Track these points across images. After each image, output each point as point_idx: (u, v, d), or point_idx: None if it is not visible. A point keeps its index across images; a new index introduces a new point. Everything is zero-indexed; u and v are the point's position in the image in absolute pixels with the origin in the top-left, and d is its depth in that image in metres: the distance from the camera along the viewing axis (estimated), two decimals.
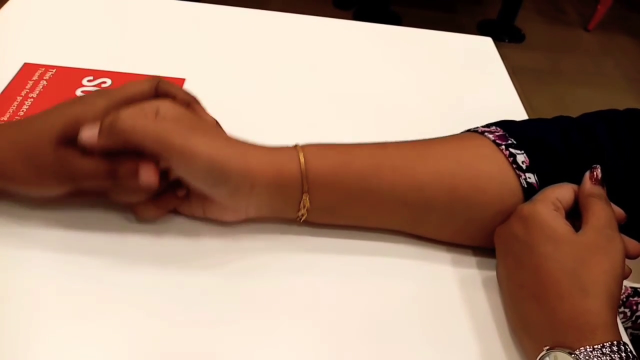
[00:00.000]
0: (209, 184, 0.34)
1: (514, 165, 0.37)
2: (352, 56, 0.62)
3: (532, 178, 0.37)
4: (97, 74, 0.51)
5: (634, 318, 0.52)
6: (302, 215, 0.37)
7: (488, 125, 0.41)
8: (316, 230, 0.39)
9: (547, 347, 0.31)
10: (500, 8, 2.17)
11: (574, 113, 0.44)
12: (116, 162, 0.33)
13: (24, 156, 0.33)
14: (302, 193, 0.35)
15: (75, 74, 0.51)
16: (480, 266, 0.40)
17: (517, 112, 0.55)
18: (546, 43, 2.20)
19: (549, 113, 0.44)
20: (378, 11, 2.13)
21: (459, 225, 0.38)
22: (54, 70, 0.51)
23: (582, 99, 1.88)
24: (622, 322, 0.52)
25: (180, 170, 0.33)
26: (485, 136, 0.39)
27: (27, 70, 0.51)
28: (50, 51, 0.54)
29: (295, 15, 0.66)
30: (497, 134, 0.39)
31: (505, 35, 2.16)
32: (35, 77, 0.50)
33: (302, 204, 0.36)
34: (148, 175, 0.32)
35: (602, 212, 0.35)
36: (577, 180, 0.37)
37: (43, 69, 0.51)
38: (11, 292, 0.34)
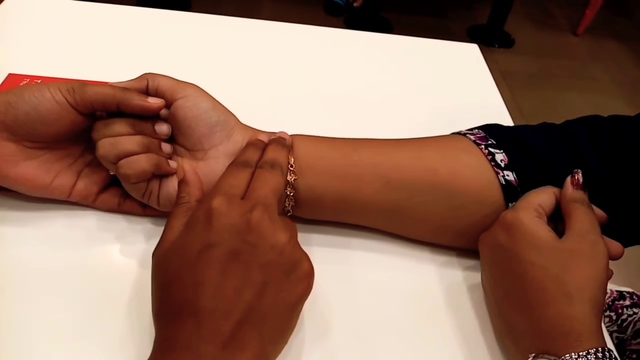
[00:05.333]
0: (210, 121, 0.36)
1: (493, 163, 0.38)
2: (342, 64, 0.62)
3: (510, 176, 0.37)
4: None
5: (619, 322, 0.53)
6: (290, 200, 0.37)
7: (471, 129, 0.42)
8: (304, 228, 0.40)
9: (533, 354, 0.31)
10: (490, 13, 2.19)
11: (563, 117, 0.44)
12: (126, 91, 0.35)
13: (36, 102, 0.34)
14: (288, 164, 0.37)
15: None
16: (465, 271, 0.40)
17: (503, 118, 0.56)
18: (536, 48, 2.21)
19: (538, 117, 0.45)
20: (369, 18, 2.14)
21: (442, 215, 0.38)
22: (39, 81, 0.51)
23: (571, 103, 1.89)
24: (608, 326, 0.53)
25: (189, 105, 0.36)
26: (467, 137, 0.40)
27: (12, 80, 0.51)
28: (35, 62, 0.54)
29: (287, 23, 0.67)
30: (478, 135, 0.40)
31: (495, 41, 2.17)
32: None
33: (289, 177, 0.36)
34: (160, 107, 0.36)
35: (585, 218, 0.35)
36: (557, 180, 0.37)
37: (28, 80, 0.51)
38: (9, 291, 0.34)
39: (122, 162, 0.35)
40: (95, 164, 0.38)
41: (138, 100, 0.35)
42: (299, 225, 0.40)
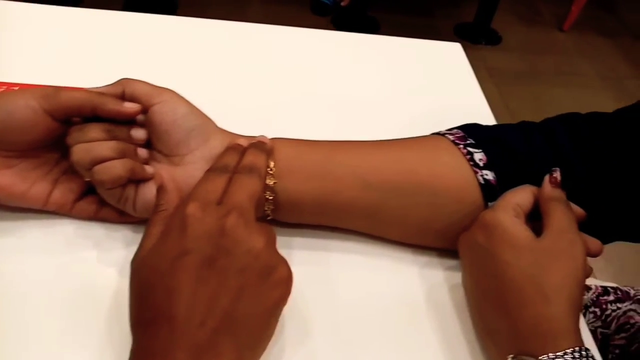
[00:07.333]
0: (187, 126, 0.36)
1: (471, 163, 0.38)
2: (328, 65, 0.62)
3: (489, 175, 0.38)
4: None
5: (603, 317, 0.53)
6: (270, 204, 0.37)
7: (451, 129, 0.42)
8: (285, 231, 0.40)
9: (512, 355, 0.31)
10: (476, 11, 2.20)
11: (551, 113, 0.44)
12: (101, 95, 0.35)
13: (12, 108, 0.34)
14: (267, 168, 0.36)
15: None
16: (446, 272, 0.40)
17: (485, 117, 0.56)
18: (522, 44, 2.23)
19: (525, 114, 0.45)
20: (356, 17, 2.14)
21: (422, 216, 0.38)
22: (16, 88, 0.50)
23: (558, 99, 1.90)
24: (592, 322, 0.53)
25: (165, 110, 0.36)
26: (446, 137, 0.40)
27: None
28: (13, 68, 0.53)
29: (274, 26, 0.66)
30: (457, 135, 0.40)
31: (482, 38, 2.18)
32: None
33: (268, 181, 0.36)
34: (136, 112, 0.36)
35: (563, 216, 0.35)
36: (536, 178, 0.37)
37: (5, 87, 0.50)
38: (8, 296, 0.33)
39: (97, 167, 0.34)
40: (71, 172, 0.38)
41: (113, 105, 0.35)
42: (278, 229, 0.40)
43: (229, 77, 0.57)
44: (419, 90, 0.60)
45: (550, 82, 2.02)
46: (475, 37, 2.16)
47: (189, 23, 0.65)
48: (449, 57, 0.67)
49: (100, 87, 0.36)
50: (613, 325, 0.52)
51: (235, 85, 0.56)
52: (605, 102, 1.92)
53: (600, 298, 0.54)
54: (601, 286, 0.56)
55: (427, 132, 0.43)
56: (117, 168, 0.34)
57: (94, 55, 0.57)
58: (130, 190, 0.36)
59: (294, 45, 0.64)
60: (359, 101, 0.57)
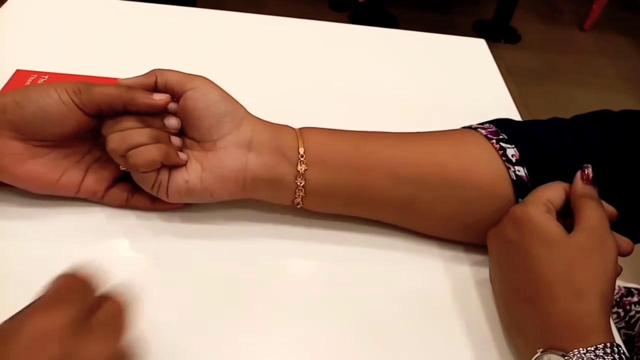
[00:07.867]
0: (219, 112, 0.36)
1: (504, 158, 0.38)
2: (348, 59, 0.62)
3: (521, 171, 0.37)
4: (90, 80, 0.51)
5: (627, 318, 0.52)
6: (300, 191, 0.37)
7: (482, 123, 0.42)
8: (311, 222, 0.40)
9: (541, 350, 0.31)
10: (495, 8, 2.18)
11: (570, 113, 0.44)
12: (132, 90, 0.35)
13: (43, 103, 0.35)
14: (298, 154, 0.37)
15: (67, 81, 0.51)
16: (473, 267, 0.40)
17: (510, 113, 0.56)
18: (542, 43, 2.20)
19: (544, 113, 0.44)
20: (374, 13, 2.13)
21: (451, 210, 0.38)
22: (46, 77, 0.51)
23: (577, 99, 1.88)
24: (615, 323, 0.52)
25: (198, 96, 0.36)
26: (478, 131, 0.40)
27: (20, 76, 0.51)
28: (43, 58, 0.54)
29: (292, 19, 0.67)
30: (489, 130, 0.40)
31: (500, 36, 2.16)
32: (27, 84, 0.50)
33: (299, 168, 0.36)
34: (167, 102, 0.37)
35: (594, 213, 0.35)
36: (568, 175, 0.37)
37: (35, 76, 0.51)
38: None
39: (132, 152, 0.35)
40: (104, 160, 0.38)
41: (144, 99, 0.35)
42: (303, 221, 0.41)
43: (246, 69, 0.57)
44: (443, 85, 0.60)
45: (569, 82, 1.99)
46: (494, 35, 2.14)
47: (207, 15, 0.65)
48: (472, 52, 0.67)
49: (132, 78, 0.37)
50: (637, 327, 0.51)
51: (252, 77, 0.56)
52: (626, 103, 1.89)
53: (624, 299, 0.54)
54: (625, 287, 0.56)
55: (451, 127, 0.43)
56: (151, 151, 0.35)
57: (114, 46, 0.57)
58: (163, 175, 0.36)
59: (312, 39, 0.64)
60: (380, 95, 0.57)
